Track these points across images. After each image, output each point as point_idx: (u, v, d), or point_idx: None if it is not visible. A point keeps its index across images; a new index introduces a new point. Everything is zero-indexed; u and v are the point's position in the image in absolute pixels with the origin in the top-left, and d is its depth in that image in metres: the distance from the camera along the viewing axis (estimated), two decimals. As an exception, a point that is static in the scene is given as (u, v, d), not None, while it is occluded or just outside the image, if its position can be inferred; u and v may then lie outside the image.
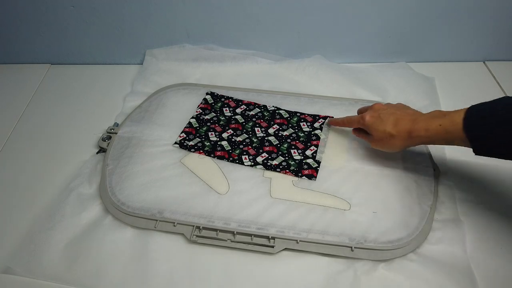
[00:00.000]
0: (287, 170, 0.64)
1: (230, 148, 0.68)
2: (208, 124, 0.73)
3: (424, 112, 0.61)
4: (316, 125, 0.72)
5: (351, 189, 0.61)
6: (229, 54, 0.85)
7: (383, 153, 0.66)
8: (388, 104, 0.62)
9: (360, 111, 0.66)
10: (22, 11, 0.81)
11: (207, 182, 0.63)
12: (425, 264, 0.53)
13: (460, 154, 0.66)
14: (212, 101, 0.77)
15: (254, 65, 0.85)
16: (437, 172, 0.63)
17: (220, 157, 0.67)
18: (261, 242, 0.56)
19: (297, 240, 0.55)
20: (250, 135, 0.70)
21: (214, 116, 0.74)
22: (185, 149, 0.68)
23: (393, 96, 0.77)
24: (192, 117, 0.74)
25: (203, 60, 0.85)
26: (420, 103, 0.76)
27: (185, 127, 0.72)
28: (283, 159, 0.66)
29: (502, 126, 0.45)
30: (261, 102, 0.76)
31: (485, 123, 0.47)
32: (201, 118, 0.74)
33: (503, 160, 0.48)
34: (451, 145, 0.52)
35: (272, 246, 0.55)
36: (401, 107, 0.60)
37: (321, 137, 0.70)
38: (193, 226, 0.57)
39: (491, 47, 0.85)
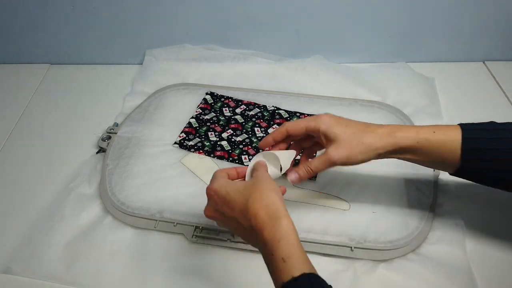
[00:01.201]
0: (287, 170, 0.64)
1: (230, 148, 0.68)
2: (208, 124, 0.73)
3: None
4: (316, 125, 0.72)
5: (351, 189, 0.61)
6: (229, 54, 0.85)
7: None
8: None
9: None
10: (22, 11, 0.81)
11: (207, 182, 0.63)
12: (425, 264, 0.53)
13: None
14: (212, 101, 0.77)
15: (254, 65, 0.85)
16: (436, 172, 0.63)
17: (220, 157, 0.67)
18: (261, 242, 0.55)
19: (297, 240, 0.55)
20: (250, 135, 0.70)
21: (214, 116, 0.74)
22: (185, 149, 0.68)
23: (393, 96, 0.77)
24: (192, 117, 0.74)
25: (203, 60, 0.85)
26: (420, 103, 0.76)
27: (185, 127, 0.72)
28: (283, 159, 0.66)
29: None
30: (261, 102, 0.76)
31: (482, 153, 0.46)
32: (201, 118, 0.74)
33: None
34: (426, 162, 0.49)
35: (272, 246, 0.55)
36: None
37: (321, 137, 0.70)
38: (193, 226, 0.57)
39: (491, 47, 0.85)
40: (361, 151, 0.47)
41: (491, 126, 0.47)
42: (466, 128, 0.47)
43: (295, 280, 0.37)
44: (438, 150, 0.47)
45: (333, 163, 0.48)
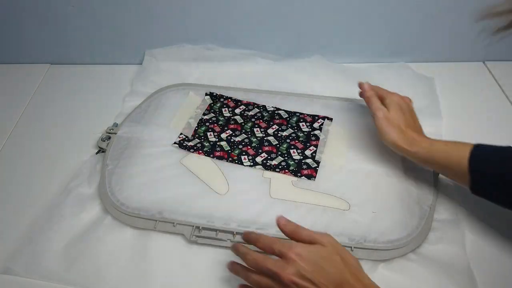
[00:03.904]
0: (286, 170, 0.64)
1: (229, 148, 0.68)
2: (207, 124, 0.73)
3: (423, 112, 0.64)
4: (316, 125, 0.72)
5: (351, 189, 0.61)
6: (229, 54, 0.85)
7: (383, 153, 0.66)
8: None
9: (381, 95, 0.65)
10: (22, 11, 0.81)
11: (207, 182, 0.63)
12: (425, 264, 0.53)
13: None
14: (211, 102, 0.77)
15: (254, 65, 0.85)
16: (437, 172, 0.63)
17: (220, 158, 0.67)
18: (260, 242, 0.55)
19: (296, 240, 0.55)
20: (249, 135, 0.70)
21: (213, 117, 0.74)
22: (185, 149, 0.68)
23: (393, 96, 0.77)
24: (191, 118, 0.74)
25: (203, 60, 0.85)
26: (420, 103, 0.75)
27: (184, 128, 0.72)
28: (282, 159, 0.66)
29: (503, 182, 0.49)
30: (261, 102, 0.76)
31: (489, 173, 0.51)
32: (200, 118, 0.74)
33: None
34: (442, 173, 0.59)
35: (272, 246, 0.55)
36: (414, 116, 0.64)
37: (321, 137, 0.70)
38: (193, 226, 0.57)
39: (491, 47, 0.85)
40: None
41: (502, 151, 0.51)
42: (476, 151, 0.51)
43: None
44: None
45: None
